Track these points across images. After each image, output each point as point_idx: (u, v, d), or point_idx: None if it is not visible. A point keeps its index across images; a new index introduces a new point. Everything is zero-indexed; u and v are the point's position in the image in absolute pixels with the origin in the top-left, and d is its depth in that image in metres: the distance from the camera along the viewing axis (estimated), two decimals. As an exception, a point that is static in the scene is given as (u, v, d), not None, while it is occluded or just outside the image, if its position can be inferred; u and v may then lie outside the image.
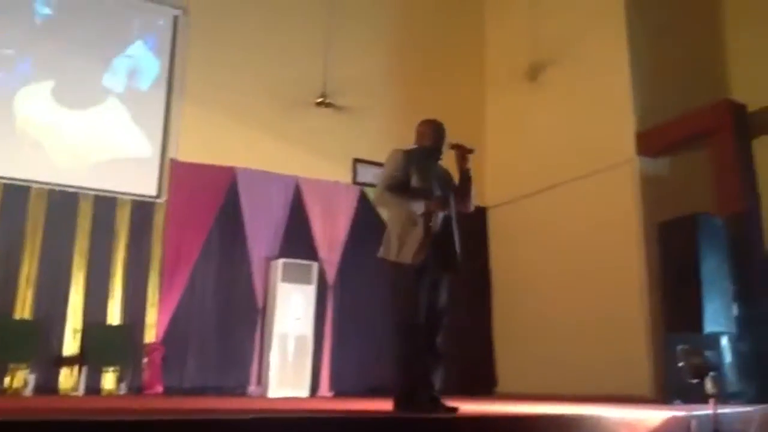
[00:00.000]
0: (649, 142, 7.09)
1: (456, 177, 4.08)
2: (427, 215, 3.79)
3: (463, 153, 4.00)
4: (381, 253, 3.94)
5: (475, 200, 4.13)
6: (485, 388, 8.04)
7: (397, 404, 3.70)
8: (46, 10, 7.39)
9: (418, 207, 3.78)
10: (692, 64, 7.50)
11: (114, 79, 7.53)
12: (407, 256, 3.77)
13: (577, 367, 6.99)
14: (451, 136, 9.63)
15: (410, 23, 9.21)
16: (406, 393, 3.71)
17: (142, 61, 7.71)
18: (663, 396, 5.92)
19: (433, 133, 4.10)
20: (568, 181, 7.78)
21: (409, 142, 8.54)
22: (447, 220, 3.91)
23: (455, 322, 8.01)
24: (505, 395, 7.72)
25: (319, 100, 8.16)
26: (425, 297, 3.83)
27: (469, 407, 3.99)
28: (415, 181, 3.86)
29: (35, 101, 7.08)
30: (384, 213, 3.99)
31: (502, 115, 9.19)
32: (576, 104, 7.93)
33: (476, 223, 8.87)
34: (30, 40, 7.20)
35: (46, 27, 7.33)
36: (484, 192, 9.07)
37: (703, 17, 7.82)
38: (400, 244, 3.81)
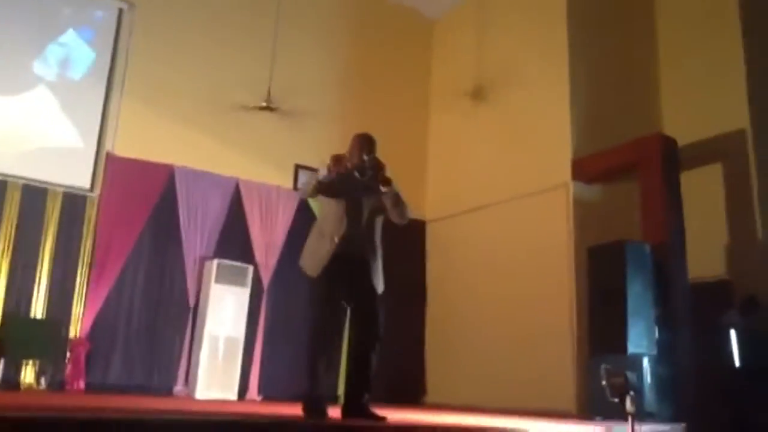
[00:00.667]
0: (583, 169, 7.34)
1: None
2: (338, 227, 3.85)
3: (377, 168, 3.97)
4: (300, 261, 4.03)
5: (409, 211, 4.14)
6: (414, 397, 8.12)
7: (305, 411, 3.72)
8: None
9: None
10: (628, 97, 7.85)
11: (44, 67, 7.30)
12: (309, 268, 3.90)
13: (506, 381, 7.15)
14: (394, 150, 9.73)
15: (360, 35, 9.28)
16: (311, 399, 3.76)
17: (74, 50, 7.50)
18: (585, 412, 6.11)
19: (359, 146, 4.08)
20: (505, 201, 7.97)
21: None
22: (362, 236, 3.95)
23: (388, 331, 8.19)
24: (434, 405, 7.80)
25: (263, 104, 8.11)
26: (335, 307, 3.88)
27: (395, 415, 4.02)
28: (330, 193, 3.95)
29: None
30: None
31: (445, 132, 9.36)
32: (516, 127, 8.15)
33: (414, 236, 8.98)
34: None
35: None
36: (424, 206, 9.22)
37: (641, 52, 8.19)
38: (308, 255, 3.93)
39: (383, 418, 3.73)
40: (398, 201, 4.02)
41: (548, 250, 7.28)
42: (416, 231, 9.04)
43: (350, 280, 3.88)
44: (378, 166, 3.96)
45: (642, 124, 7.53)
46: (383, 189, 3.95)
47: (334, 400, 7.52)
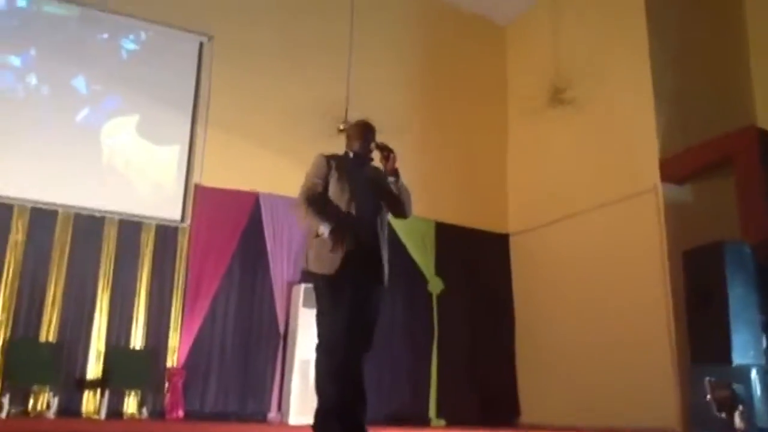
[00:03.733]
0: (672, 169, 7.02)
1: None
2: (335, 239, 3.51)
3: (385, 153, 3.74)
4: (303, 264, 3.71)
5: (411, 206, 3.82)
6: (508, 417, 7.93)
7: (314, 428, 3.47)
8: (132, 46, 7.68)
9: (325, 230, 3.53)
10: (716, 90, 7.46)
11: (130, 103, 7.59)
12: (321, 266, 3.55)
13: (602, 396, 6.88)
14: (473, 162, 9.69)
15: (432, 49, 9.26)
16: (321, 416, 3.46)
17: (158, 86, 7.75)
18: (689, 429, 5.80)
19: (357, 134, 3.88)
20: (591, 209, 7.72)
21: (431, 169, 8.63)
22: (372, 228, 3.65)
23: (477, 350, 8.08)
24: (528, 425, 7.60)
25: (342, 126, 8.19)
26: (346, 312, 3.50)
27: None
28: (333, 189, 3.66)
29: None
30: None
31: (524, 140, 9.18)
32: (599, 130, 7.90)
33: (498, 250, 8.86)
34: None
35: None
36: (507, 219, 9.08)
37: (727, 42, 7.78)
38: (316, 253, 3.59)
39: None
40: (404, 194, 3.77)
41: (640, 257, 7.00)
42: (499, 245, 8.92)
43: (362, 276, 3.58)
44: (390, 153, 3.73)
45: (733, 116, 7.13)
46: (392, 179, 3.71)
47: (426, 421, 7.55)
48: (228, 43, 7.98)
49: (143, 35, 7.82)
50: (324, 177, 3.69)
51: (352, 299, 3.52)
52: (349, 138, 3.92)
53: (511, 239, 9.00)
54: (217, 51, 7.96)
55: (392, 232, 8.15)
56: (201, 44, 8.00)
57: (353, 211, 3.61)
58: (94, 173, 7.22)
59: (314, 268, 3.58)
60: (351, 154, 3.85)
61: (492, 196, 9.13)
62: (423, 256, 8.36)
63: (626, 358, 6.81)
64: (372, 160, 3.82)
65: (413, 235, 8.35)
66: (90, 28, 7.54)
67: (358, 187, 3.68)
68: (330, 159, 3.76)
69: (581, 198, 7.88)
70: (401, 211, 3.81)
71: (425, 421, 7.62)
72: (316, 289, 3.61)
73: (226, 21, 8.02)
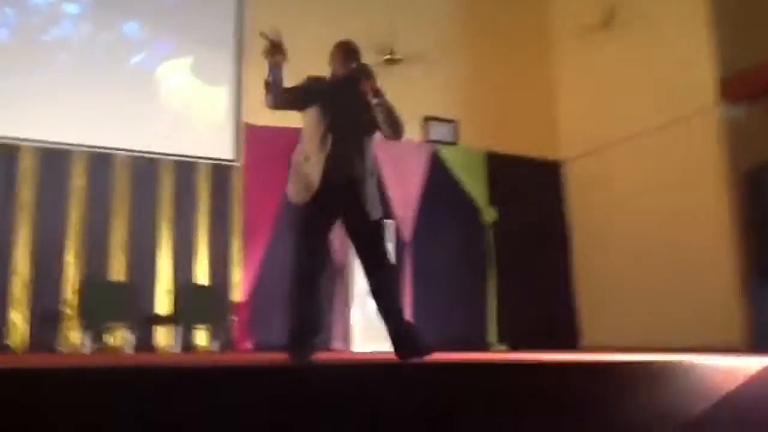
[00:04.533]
0: (733, 88, 6.81)
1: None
2: (323, 145, 3.47)
3: (366, 75, 3.55)
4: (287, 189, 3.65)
5: (403, 127, 3.65)
6: (569, 341, 8.03)
7: (289, 351, 3.45)
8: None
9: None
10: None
11: (173, 46, 7.63)
12: (296, 195, 3.53)
13: (665, 318, 6.90)
14: (520, 88, 9.54)
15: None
16: (294, 337, 3.51)
17: (199, 27, 7.76)
18: (753, 347, 5.80)
19: (339, 54, 3.75)
20: (647, 131, 7.57)
21: (478, 98, 8.52)
22: (350, 160, 3.54)
23: (534, 277, 8.14)
24: (591, 348, 7.69)
25: (387, 57, 8.11)
26: (320, 238, 3.55)
27: (549, 357, 3.91)
28: (310, 117, 3.60)
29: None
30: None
31: (574, 62, 8.94)
32: (653, 48, 7.66)
33: (551, 177, 8.80)
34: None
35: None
36: (558, 145, 8.97)
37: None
38: (293, 181, 3.56)
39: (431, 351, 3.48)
40: (391, 114, 3.57)
41: (699, 178, 6.89)
42: (551, 172, 8.85)
43: (340, 206, 3.54)
44: (369, 74, 3.55)
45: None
46: (374, 100, 3.51)
47: (487, 346, 7.70)
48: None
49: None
50: (303, 92, 3.63)
51: (325, 227, 3.56)
52: (331, 60, 3.78)
53: (564, 165, 8.91)
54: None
55: (442, 164, 8.23)
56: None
57: (328, 144, 3.51)
58: (148, 116, 7.29)
59: (290, 195, 3.59)
60: (335, 77, 3.72)
61: (542, 123, 9.01)
62: (475, 187, 8.35)
63: (688, 279, 6.78)
64: (354, 83, 3.60)
65: (464, 166, 8.34)
66: None
67: (337, 117, 3.56)
68: (314, 82, 3.68)
69: (636, 120, 7.72)
70: (391, 134, 3.64)
71: (486, 346, 7.79)
72: (295, 216, 3.66)
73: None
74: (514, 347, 7.59)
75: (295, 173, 3.58)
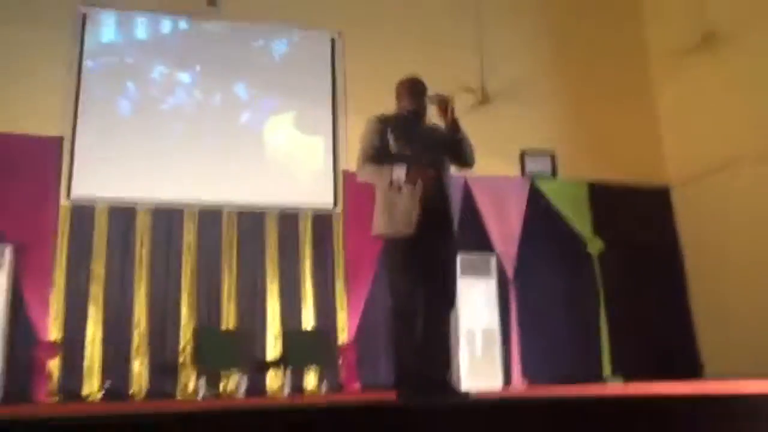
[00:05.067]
0: None
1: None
2: (412, 180, 3.37)
3: (442, 104, 3.55)
4: (373, 229, 3.55)
5: (472, 155, 3.66)
6: (690, 371, 7.59)
7: (399, 393, 3.34)
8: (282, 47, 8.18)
9: (400, 172, 3.37)
10: None
11: (274, 100, 7.99)
12: (394, 228, 3.41)
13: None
14: (619, 115, 9.30)
15: (563, 6, 8.95)
16: (406, 380, 3.35)
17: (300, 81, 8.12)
18: None
19: (407, 91, 3.69)
20: (757, 153, 7.18)
21: (576, 130, 8.38)
22: (439, 184, 3.48)
23: (647, 306, 7.79)
24: (715, 378, 7.23)
25: (479, 95, 8.10)
26: (420, 274, 3.40)
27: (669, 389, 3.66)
28: (394, 148, 3.50)
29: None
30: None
31: (675, 86, 8.65)
32: (758, 70, 7.31)
33: (659, 204, 8.47)
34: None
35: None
36: (666, 170, 8.64)
37: None
38: (388, 216, 3.44)
39: (467, 395, 3.36)
40: (467, 143, 3.61)
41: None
42: (660, 198, 8.52)
43: (434, 235, 3.45)
44: (447, 104, 3.52)
45: None
46: (456, 134, 3.54)
47: (602, 380, 7.39)
48: (356, 35, 8.11)
49: (294, 37, 8.22)
50: (381, 138, 3.55)
51: (425, 260, 3.41)
52: (398, 97, 3.75)
53: (673, 191, 8.54)
54: (348, 43, 8.12)
55: (543, 197, 8.09)
56: (333, 40, 8.21)
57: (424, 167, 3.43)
58: (253, 170, 7.62)
59: (385, 230, 3.46)
60: (405, 113, 3.68)
61: (645, 150, 8.71)
62: (579, 219, 8.14)
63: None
64: (425, 115, 3.66)
65: (565, 198, 8.17)
66: (243, 38, 8.03)
67: (418, 147, 3.53)
68: (383, 119, 3.64)
69: (745, 142, 7.34)
70: (465, 162, 3.66)
71: (600, 379, 7.48)
72: (387, 251, 3.52)
73: (352, 14, 8.18)
74: (629, 379, 7.24)
75: (387, 206, 3.49)
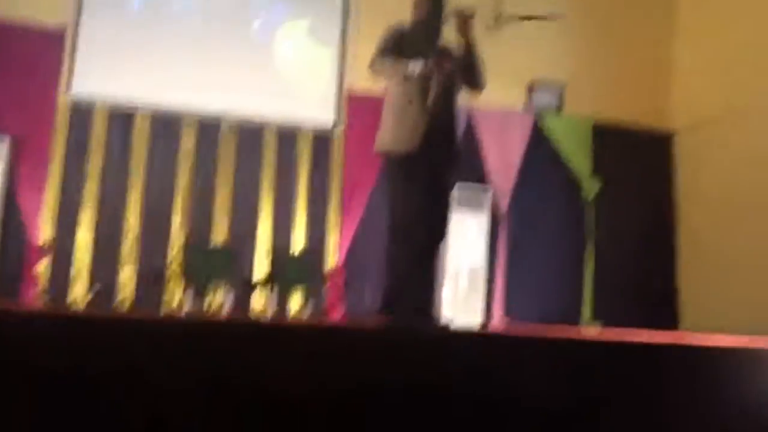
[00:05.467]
0: None
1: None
2: (425, 87, 3.34)
3: (463, 19, 3.46)
4: (377, 144, 3.50)
5: (484, 77, 3.59)
6: (667, 322, 7.67)
7: (383, 309, 3.38)
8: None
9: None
10: None
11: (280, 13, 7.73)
12: (400, 143, 3.35)
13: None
14: (635, 56, 8.99)
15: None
16: (391, 298, 3.39)
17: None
18: None
19: (425, 2, 3.58)
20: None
21: (586, 62, 8.13)
22: (448, 101, 3.46)
23: (635, 254, 7.80)
24: (691, 329, 7.33)
25: (496, 17, 7.78)
26: (420, 194, 3.36)
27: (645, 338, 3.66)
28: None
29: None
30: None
31: (693, 23, 8.30)
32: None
33: (661, 148, 8.32)
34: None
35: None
36: (672, 113, 8.42)
37: None
38: (395, 131, 3.38)
39: (447, 327, 3.32)
40: (479, 64, 3.54)
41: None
42: (660, 143, 8.37)
43: (438, 154, 3.40)
44: (470, 18, 3.45)
45: None
46: (471, 54, 3.47)
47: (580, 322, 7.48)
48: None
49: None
50: (396, 42, 3.49)
51: (427, 181, 3.38)
52: (415, 6, 3.63)
53: (676, 137, 8.37)
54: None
55: (546, 134, 7.96)
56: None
57: (432, 90, 3.39)
58: (255, 81, 7.43)
59: (391, 145, 3.41)
60: (421, 24, 3.58)
61: (655, 89, 8.47)
62: (579, 159, 8.03)
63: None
64: (441, 28, 3.56)
65: (568, 137, 8.04)
66: None
67: (431, 61, 3.42)
68: (399, 28, 3.57)
69: (756, 89, 7.15)
70: (477, 84, 3.60)
71: (579, 322, 7.58)
72: (389, 167, 3.47)
73: None
74: (608, 325, 7.33)
75: (394, 119, 3.42)
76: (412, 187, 3.36)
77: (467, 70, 3.55)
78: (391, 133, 3.41)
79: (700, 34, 8.23)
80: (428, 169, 3.38)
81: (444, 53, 3.50)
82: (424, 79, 3.39)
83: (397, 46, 3.47)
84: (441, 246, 3.62)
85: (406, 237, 3.37)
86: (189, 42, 7.30)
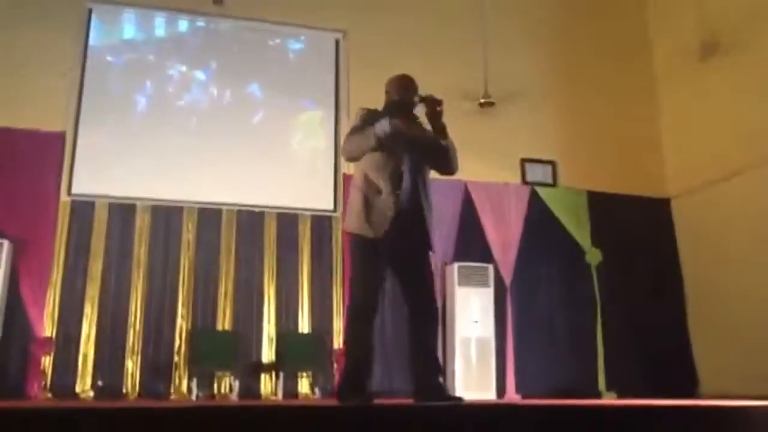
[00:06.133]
0: None
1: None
2: (393, 174, 3.36)
3: (432, 105, 3.47)
4: (346, 225, 3.56)
5: (456, 163, 3.63)
6: (685, 389, 7.53)
7: (339, 393, 3.39)
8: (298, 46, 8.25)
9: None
10: None
11: (276, 97, 8.01)
12: (367, 229, 3.36)
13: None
14: (620, 125, 9.23)
15: (567, 13, 8.93)
16: (346, 380, 3.41)
17: (300, 80, 8.16)
18: None
19: (397, 87, 3.61)
20: (759, 163, 7.15)
21: (577, 137, 8.35)
22: (416, 187, 3.45)
23: (644, 320, 7.74)
24: (710, 395, 7.17)
25: (482, 100, 8.09)
26: (381, 278, 3.39)
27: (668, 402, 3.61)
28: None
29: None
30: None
31: (678, 97, 8.61)
32: (758, 78, 7.29)
33: (659, 215, 8.43)
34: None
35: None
36: (666, 182, 8.62)
37: None
38: (361, 215, 3.39)
39: (460, 399, 3.34)
40: (452, 149, 3.58)
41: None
42: (660, 209, 8.48)
43: (406, 239, 3.38)
44: (439, 105, 3.45)
45: None
46: (443, 140, 3.50)
47: (597, 394, 7.34)
48: (361, 38, 8.11)
49: (300, 37, 8.26)
50: (368, 123, 3.45)
51: (400, 265, 3.41)
52: (387, 93, 3.66)
53: (673, 202, 8.49)
54: (351, 45, 8.12)
55: (543, 205, 8.06)
56: (337, 42, 8.22)
57: (402, 178, 3.41)
58: (254, 170, 7.58)
59: (359, 229, 3.41)
60: (392, 107, 3.57)
61: (647, 160, 8.68)
62: (577, 228, 8.10)
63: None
64: (415, 117, 3.60)
65: (565, 207, 8.14)
66: (260, 36, 8.09)
67: (403, 148, 3.46)
68: (372, 110, 3.57)
69: (747, 151, 7.30)
70: (448, 169, 3.64)
71: (596, 394, 7.43)
72: (355, 249, 3.48)
73: (358, 15, 8.18)
74: (624, 395, 7.19)
75: (363, 208, 3.43)
76: (376, 270, 3.39)
77: (437, 155, 3.57)
78: (359, 217, 3.43)
79: (684, 104, 8.51)
80: (396, 253, 3.40)
81: (413, 135, 3.52)
82: (393, 167, 3.42)
83: (368, 125, 3.48)
84: (437, 320, 3.60)
85: (366, 319, 3.39)
86: (191, 138, 7.52)
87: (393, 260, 3.44)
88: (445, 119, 3.60)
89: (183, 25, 7.94)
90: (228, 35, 8.03)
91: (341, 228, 7.52)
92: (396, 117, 3.44)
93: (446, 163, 3.62)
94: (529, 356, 7.51)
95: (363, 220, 3.41)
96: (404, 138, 3.47)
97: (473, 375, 7.12)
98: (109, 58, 7.59)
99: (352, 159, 3.61)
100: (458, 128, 7.71)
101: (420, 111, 3.59)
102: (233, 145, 7.58)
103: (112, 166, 7.18)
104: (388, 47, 7.95)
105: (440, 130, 3.54)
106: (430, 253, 3.60)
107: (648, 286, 8.01)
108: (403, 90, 3.60)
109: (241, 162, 7.53)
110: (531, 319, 7.66)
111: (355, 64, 8.05)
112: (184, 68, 7.77)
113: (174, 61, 7.76)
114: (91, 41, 7.54)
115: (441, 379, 3.47)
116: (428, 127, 3.63)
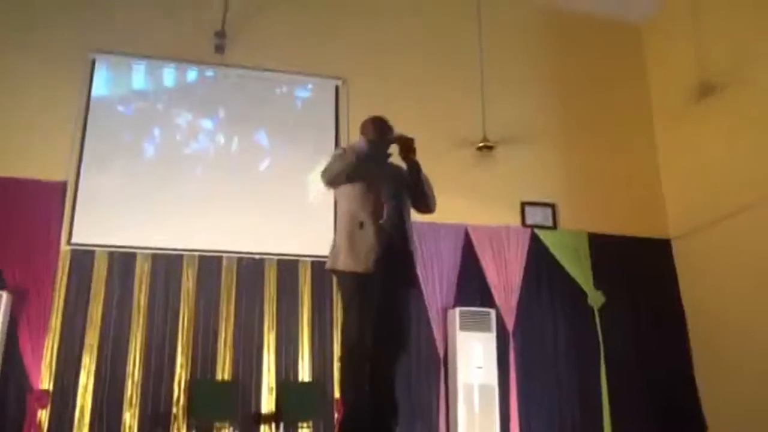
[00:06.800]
0: None
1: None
2: (376, 213, 3.42)
3: (406, 143, 3.60)
4: (328, 263, 3.56)
5: (433, 200, 3.75)
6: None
7: None
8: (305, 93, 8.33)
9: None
10: None
11: (277, 144, 8.05)
12: (354, 264, 3.36)
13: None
14: (619, 167, 9.27)
15: (565, 56, 9.04)
16: (349, 426, 3.33)
17: (300, 128, 8.19)
18: None
19: (371, 126, 3.72)
20: (759, 202, 7.14)
21: (576, 179, 8.37)
22: (400, 226, 3.51)
23: (649, 363, 7.64)
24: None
25: (481, 144, 8.13)
26: (372, 315, 3.33)
27: None
28: (357, 184, 3.53)
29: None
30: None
31: (676, 138, 8.64)
32: (755, 120, 7.34)
33: (660, 256, 8.38)
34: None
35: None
36: (666, 223, 8.61)
37: None
38: (347, 251, 3.40)
39: None
40: (428, 186, 3.71)
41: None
42: (661, 251, 8.44)
43: (390, 270, 3.39)
44: (411, 143, 3.59)
45: None
46: (417, 175, 3.63)
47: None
48: (361, 85, 8.20)
49: (302, 85, 8.32)
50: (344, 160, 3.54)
51: (380, 301, 3.36)
52: (363, 133, 3.76)
53: (674, 243, 8.47)
54: (351, 92, 8.20)
55: (543, 248, 8.02)
56: (336, 87, 8.30)
57: (385, 211, 3.48)
58: (253, 218, 7.56)
59: (344, 266, 3.41)
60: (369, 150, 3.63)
61: (647, 201, 8.69)
62: (579, 270, 8.06)
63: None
64: (389, 155, 3.72)
65: (566, 250, 8.10)
66: (267, 85, 8.17)
67: (386, 184, 3.56)
68: (349, 148, 3.67)
69: (746, 193, 7.30)
70: (425, 206, 3.73)
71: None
72: (343, 288, 3.46)
73: (357, 62, 8.31)
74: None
75: (347, 240, 3.45)
76: (366, 308, 3.35)
77: (415, 193, 3.68)
78: (345, 254, 3.43)
79: (682, 145, 8.54)
80: (381, 289, 3.39)
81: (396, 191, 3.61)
82: (374, 198, 3.49)
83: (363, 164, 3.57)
84: (400, 360, 3.59)
85: (360, 358, 3.32)
86: (195, 186, 7.54)
87: (380, 296, 3.41)
88: (445, 163, 3.72)
89: (192, 74, 8.03)
90: (235, 84, 8.09)
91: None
92: (372, 159, 3.54)
93: (422, 199, 3.71)
94: (534, 402, 7.40)
95: (348, 256, 3.41)
96: (382, 170, 3.61)
97: (476, 423, 6.99)
98: (119, 108, 7.65)
99: (331, 182, 3.64)
100: (458, 172, 8.01)
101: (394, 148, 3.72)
102: (237, 193, 7.59)
103: (114, 215, 7.17)
104: (388, 93, 8.04)
105: (415, 167, 3.66)
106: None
107: (652, 329, 7.94)
108: (377, 131, 3.70)
109: (244, 209, 7.53)
110: (535, 365, 7.56)
111: (355, 110, 8.09)
112: (191, 116, 7.83)
113: (182, 109, 7.83)
114: (98, 91, 7.60)
115: (395, 423, 3.46)
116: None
